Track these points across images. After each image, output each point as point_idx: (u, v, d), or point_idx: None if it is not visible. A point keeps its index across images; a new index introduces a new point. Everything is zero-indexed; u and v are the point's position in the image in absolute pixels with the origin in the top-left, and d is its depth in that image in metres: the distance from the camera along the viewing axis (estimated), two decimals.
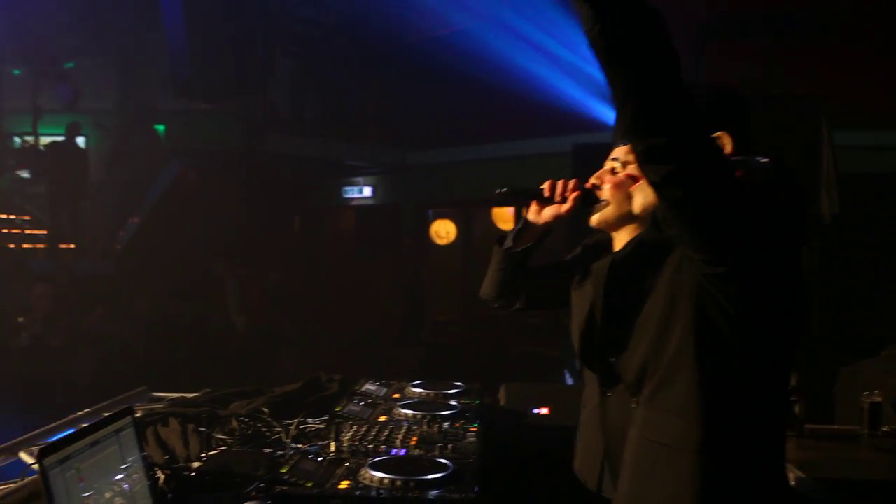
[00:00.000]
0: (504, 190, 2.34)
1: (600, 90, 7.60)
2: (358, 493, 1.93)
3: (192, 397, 3.28)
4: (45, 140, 11.72)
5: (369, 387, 3.28)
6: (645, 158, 1.50)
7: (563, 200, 2.25)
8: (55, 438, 1.97)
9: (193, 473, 2.20)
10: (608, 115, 7.49)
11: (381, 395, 3.18)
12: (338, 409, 2.86)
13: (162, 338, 7.56)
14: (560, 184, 2.28)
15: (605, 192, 2.06)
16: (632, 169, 2.15)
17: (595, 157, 6.76)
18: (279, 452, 2.37)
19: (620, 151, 2.08)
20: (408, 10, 10.29)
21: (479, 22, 8.60)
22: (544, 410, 3.18)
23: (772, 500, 1.65)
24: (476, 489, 1.96)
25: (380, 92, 10.83)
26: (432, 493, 1.94)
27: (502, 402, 3.67)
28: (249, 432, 2.69)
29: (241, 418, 2.83)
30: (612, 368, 2.00)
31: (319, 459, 2.20)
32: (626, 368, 1.80)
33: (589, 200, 2.20)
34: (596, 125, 7.64)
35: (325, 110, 10.36)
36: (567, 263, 2.41)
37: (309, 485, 1.97)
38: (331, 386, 3.34)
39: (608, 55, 1.43)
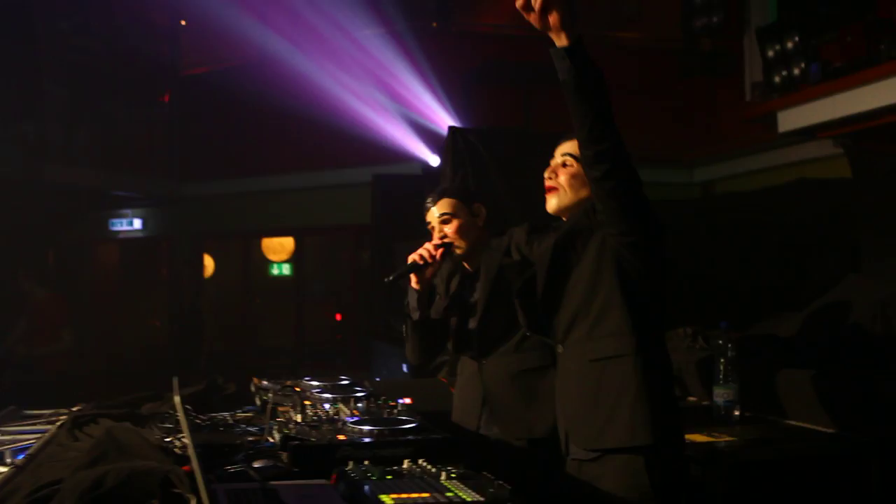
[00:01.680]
0: (391, 278, 3.21)
1: (399, 119, 8.13)
2: (358, 440, 2.35)
3: (77, 409, 3.41)
4: None
5: (266, 383, 3.60)
6: (594, 160, 2.35)
7: (434, 260, 3.11)
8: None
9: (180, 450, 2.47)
10: (408, 144, 8.01)
11: (279, 389, 3.51)
12: (266, 398, 3.19)
13: None
14: (425, 251, 3.12)
15: (563, 182, 2.65)
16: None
17: (395, 188, 7.55)
18: (242, 428, 2.71)
19: (566, 148, 2.69)
20: (184, 41, 10.39)
21: (268, 51, 8.89)
22: (407, 400, 3.62)
23: (670, 376, 2.64)
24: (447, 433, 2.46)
25: (154, 123, 10.75)
26: (416, 436, 2.40)
27: None
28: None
29: (168, 413, 3.09)
30: (487, 343, 3.11)
31: (292, 425, 2.56)
32: (558, 322, 2.61)
33: (448, 250, 3.16)
34: (395, 156, 8.11)
35: (94, 140, 10.11)
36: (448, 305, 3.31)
37: (313, 439, 2.36)
38: (228, 386, 3.63)
39: (577, 91, 2.29)
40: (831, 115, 5.45)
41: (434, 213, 3.24)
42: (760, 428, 3.44)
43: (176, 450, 2.39)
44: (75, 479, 1.89)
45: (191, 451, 1.80)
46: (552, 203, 2.66)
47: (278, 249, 11.32)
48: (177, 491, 1.85)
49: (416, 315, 3.17)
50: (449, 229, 3.18)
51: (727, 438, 3.20)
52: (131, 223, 11.47)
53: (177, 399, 1.86)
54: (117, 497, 1.76)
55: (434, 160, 6.94)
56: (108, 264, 12.24)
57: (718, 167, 8.69)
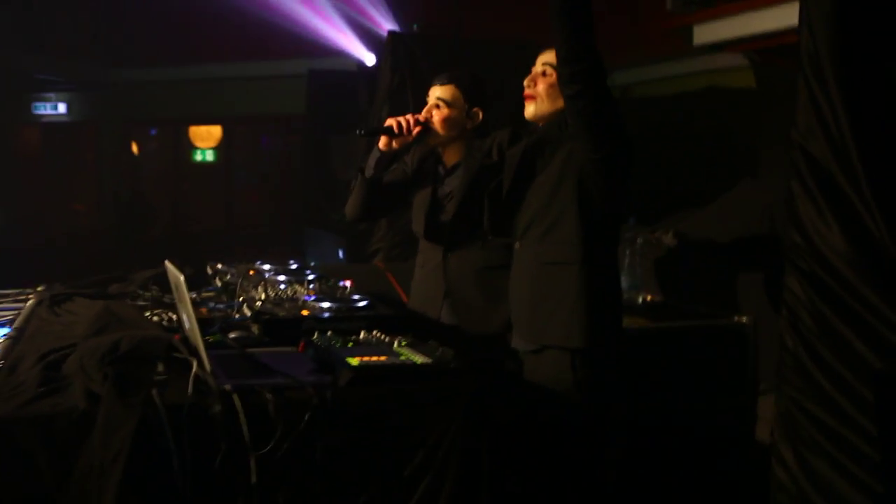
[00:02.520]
0: (363, 132, 3.32)
1: (334, 13, 8.05)
2: (320, 315, 2.73)
3: (42, 289, 3.68)
4: None
5: (220, 266, 3.93)
6: (569, 79, 2.50)
7: (410, 133, 3.13)
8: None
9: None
10: (343, 39, 7.99)
11: (237, 273, 3.83)
12: (226, 279, 3.53)
13: None
14: (404, 121, 3.12)
15: (540, 91, 2.76)
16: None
17: (330, 83, 7.83)
18: (211, 305, 3.07)
19: (547, 57, 2.78)
20: None
21: None
22: (348, 283, 3.83)
23: (615, 287, 2.81)
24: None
25: (79, 5, 10.48)
26: (370, 312, 2.80)
27: None
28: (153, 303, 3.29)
29: (137, 293, 3.42)
30: (456, 237, 3.17)
31: (258, 303, 2.93)
32: (518, 221, 2.80)
33: (426, 132, 3.16)
34: (328, 50, 8.11)
35: (17, 21, 9.84)
36: (405, 177, 3.39)
37: (282, 313, 2.73)
38: (186, 269, 3.94)
39: (560, 12, 2.42)
40: (742, 31, 5.87)
41: (435, 93, 3.22)
42: (660, 310, 3.96)
43: (163, 323, 2.74)
44: (89, 344, 2.23)
45: (193, 322, 2.16)
46: (529, 110, 2.79)
47: (206, 137, 11.39)
48: (178, 355, 2.22)
49: (369, 172, 3.25)
50: (437, 115, 3.18)
51: (628, 320, 3.68)
52: (56, 107, 11.31)
53: (181, 278, 2.19)
54: (131, 358, 2.11)
55: (370, 58, 7.11)
56: (31, 148, 12.09)
57: (637, 72, 9.06)
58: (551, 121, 2.78)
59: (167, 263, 2.49)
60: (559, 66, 2.55)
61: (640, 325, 3.60)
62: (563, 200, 2.67)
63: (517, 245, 2.84)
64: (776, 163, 5.13)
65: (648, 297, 4.11)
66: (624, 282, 4.13)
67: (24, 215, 10.76)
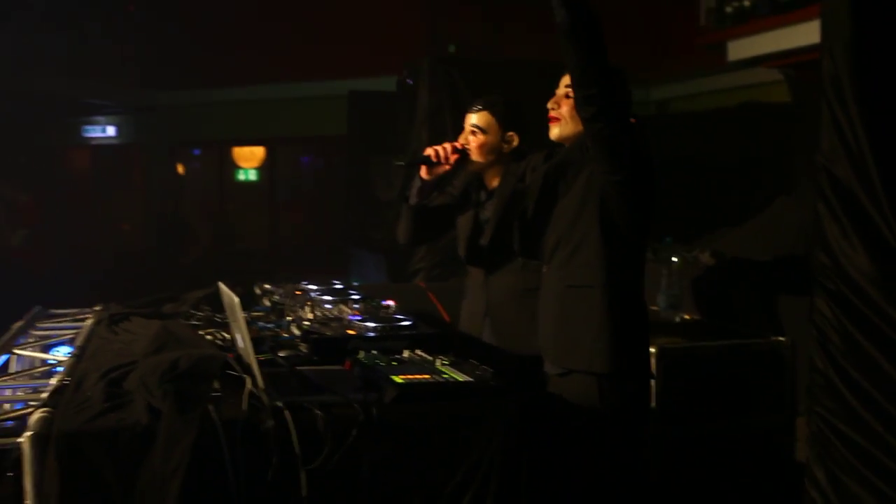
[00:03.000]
0: (403, 163, 3.38)
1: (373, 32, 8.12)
2: (365, 335, 2.84)
3: (100, 309, 3.83)
4: None
5: (268, 287, 4.06)
6: (583, 102, 2.53)
7: (447, 161, 3.24)
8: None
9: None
10: (382, 58, 8.04)
11: (284, 293, 3.96)
12: (276, 299, 3.66)
13: None
14: (441, 150, 3.24)
15: (564, 113, 2.78)
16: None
17: (371, 104, 7.96)
18: (260, 324, 3.20)
19: (570, 79, 2.72)
20: None
21: None
22: (391, 302, 3.91)
23: (640, 311, 2.81)
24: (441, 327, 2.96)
25: (128, 29, 10.79)
26: (413, 331, 2.90)
27: None
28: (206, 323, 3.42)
29: (190, 312, 3.56)
30: (495, 260, 3.26)
31: (306, 323, 3.04)
32: (545, 244, 2.85)
33: (464, 159, 3.28)
34: (368, 70, 8.24)
35: (66, 47, 10.17)
36: (453, 200, 3.51)
37: (329, 333, 2.85)
38: (236, 289, 4.08)
39: (570, 37, 2.43)
40: (776, 47, 5.90)
41: (470, 120, 3.32)
42: (697, 329, 3.99)
43: (217, 342, 2.87)
44: (149, 362, 2.35)
45: (248, 342, 2.28)
46: (554, 132, 2.82)
47: (249, 157, 11.66)
48: (232, 373, 2.34)
49: (412, 201, 3.38)
50: (473, 142, 3.29)
51: (666, 339, 3.73)
52: (104, 130, 11.66)
53: (236, 300, 2.32)
54: (189, 376, 2.23)
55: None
56: (81, 169, 12.43)
57: (673, 87, 9.10)
58: (574, 142, 2.80)
59: (221, 285, 2.62)
60: (573, 89, 2.57)
61: (678, 345, 3.64)
62: (586, 223, 2.70)
63: (545, 268, 2.88)
64: (811, 178, 5.12)
65: (686, 317, 4.14)
66: (661, 301, 4.18)
67: (75, 234, 11.04)
